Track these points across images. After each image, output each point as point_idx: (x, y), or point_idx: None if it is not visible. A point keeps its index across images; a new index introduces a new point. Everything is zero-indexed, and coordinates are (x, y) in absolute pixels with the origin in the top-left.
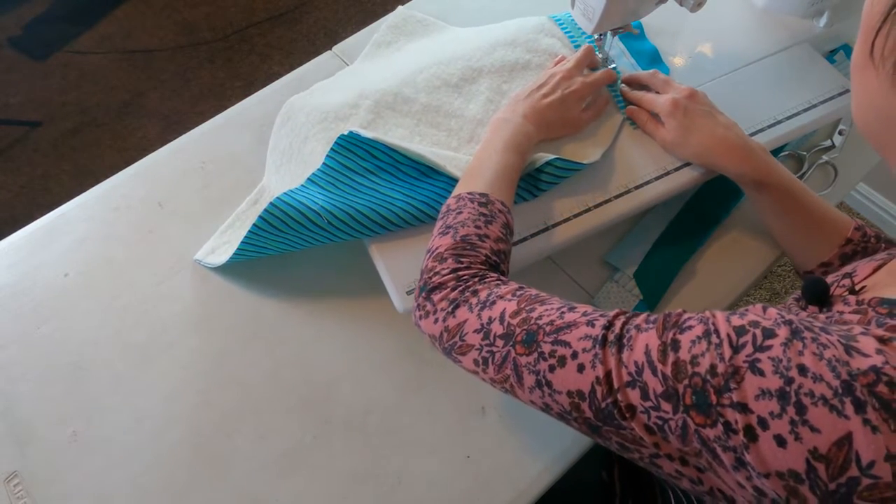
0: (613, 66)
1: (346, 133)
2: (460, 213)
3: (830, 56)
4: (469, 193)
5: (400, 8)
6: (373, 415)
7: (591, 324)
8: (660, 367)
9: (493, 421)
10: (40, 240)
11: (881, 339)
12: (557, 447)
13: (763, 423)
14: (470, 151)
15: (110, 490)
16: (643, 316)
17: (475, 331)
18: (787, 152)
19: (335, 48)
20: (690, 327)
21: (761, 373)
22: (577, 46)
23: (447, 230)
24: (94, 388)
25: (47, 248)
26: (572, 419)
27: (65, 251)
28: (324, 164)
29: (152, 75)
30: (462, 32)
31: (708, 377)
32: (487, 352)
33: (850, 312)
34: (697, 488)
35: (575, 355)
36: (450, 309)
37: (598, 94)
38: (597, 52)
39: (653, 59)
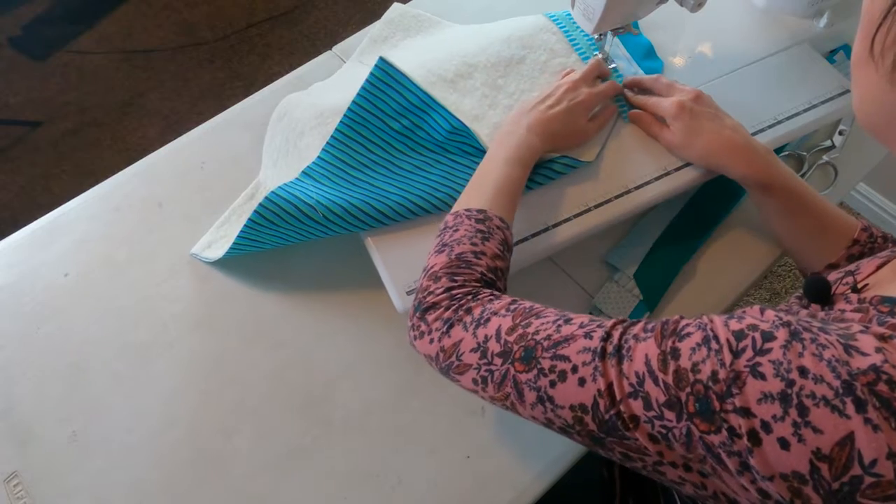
0: (613, 66)
1: (379, 62)
2: (457, 230)
3: (830, 56)
4: (467, 210)
5: (396, 3)
6: (373, 415)
7: (588, 336)
8: (661, 376)
9: (492, 421)
10: (40, 240)
11: (881, 337)
12: (558, 447)
13: (766, 427)
14: None
15: (110, 490)
16: (640, 324)
17: (472, 350)
18: (787, 152)
19: (335, 48)
20: (689, 334)
21: (762, 376)
22: (574, 42)
23: (443, 248)
24: (94, 388)
25: (47, 248)
26: (575, 433)
27: (65, 251)
28: (319, 157)
29: (152, 75)
30: (458, 30)
31: (710, 384)
32: (486, 371)
33: (851, 310)
34: (701, 493)
35: (575, 369)
36: (444, 329)
37: (604, 104)
38: (596, 52)
39: (647, 53)
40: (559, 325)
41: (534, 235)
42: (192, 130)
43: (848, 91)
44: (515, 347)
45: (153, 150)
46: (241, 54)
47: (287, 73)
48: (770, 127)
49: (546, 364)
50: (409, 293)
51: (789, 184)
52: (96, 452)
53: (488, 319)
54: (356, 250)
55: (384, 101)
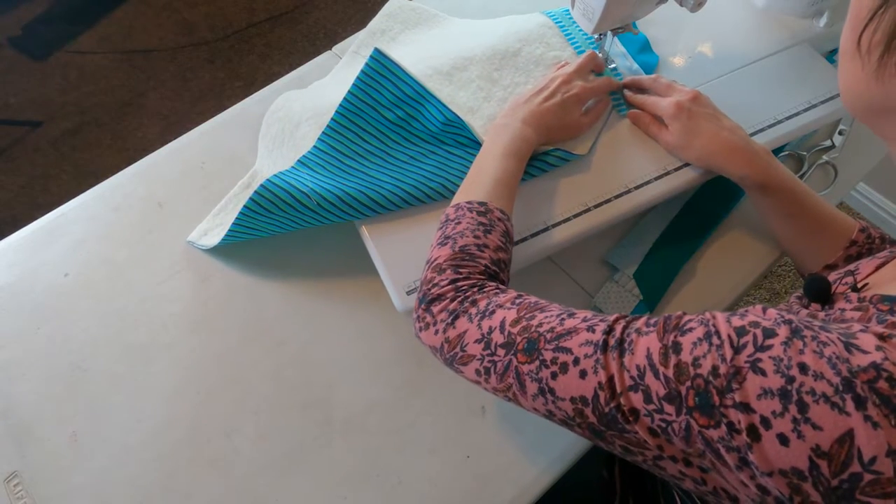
0: (613, 66)
1: (374, 52)
2: (459, 223)
3: (830, 56)
4: (468, 202)
5: None
6: (373, 415)
7: (591, 329)
8: (662, 369)
9: (493, 421)
10: (40, 240)
11: (881, 336)
12: (557, 447)
13: (766, 423)
14: None
15: (110, 490)
16: (643, 319)
17: (476, 341)
18: (787, 152)
19: (335, 48)
20: (691, 329)
21: (763, 372)
22: (569, 37)
23: (446, 241)
24: (94, 388)
25: (47, 248)
26: (576, 425)
27: (65, 251)
28: (314, 146)
29: (152, 75)
30: (455, 26)
31: (710, 378)
32: (489, 361)
33: (851, 310)
34: (701, 488)
35: (577, 361)
36: (449, 320)
37: (598, 98)
38: (592, 46)
39: (643, 47)
40: (562, 319)
41: (534, 235)
42: (192, 130)
43: None
44: (519, 339)
45: (153, 150)
46: (241, 54)
47: (287, 73)
48: (770, 127)
49: (548, 356)
50: (409, 293)
51: (787, 184)
52: (96, 452)
53: (493, 311)
54: (357, 250)
55: (379, 91)
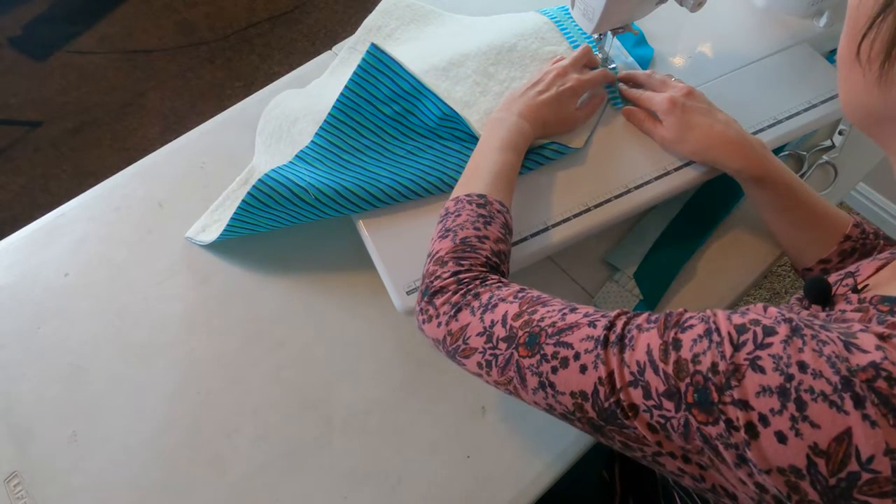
0: (613, 66)
1: (371, 48)
2: (459, 215)
3: (830, 56)
4: (467, 195)
5: None
6: (373, 415)
7: (592, 324)
8: (661, 365)
9: (493, 421)
10: (40, 240)
11: (881, 336)
12: (557, 447)
13: (764, 420)
14: None
15: (110, 490)
16: (644, 316)
17: (478, 334)
18: (787, 152)
19: (335, 48)
20: (692, 326)
21: (762, 370)
22: (565, 31)
23: (447, 233)
24: (94, 388)
25: (47, 248)
26: (575, 419)
27: (65, 251)
28: (312, 141)
29: (152, 75)
30: (452, 24)
31: (709, 375)
32: (491, 355)
33: (851, 311)
34: (700, 485)
35: (577, 356)
36: (452, 313)
37: (594, 92)
38: (596, 52)
39: (638, 41)
40: (564, 314)
41: (534, 235)
42: (192, 130)
43: None
44: (520, 333)
45: (153, 150)
46: (241, 54)
47: (287, 73)
48: (770, 127)
49: (549, 350)
50: (409, 293)
51: (783, 178)
52: (96, 452)
53: (496, 305)
54: (357, 251)
55: (375, 86)
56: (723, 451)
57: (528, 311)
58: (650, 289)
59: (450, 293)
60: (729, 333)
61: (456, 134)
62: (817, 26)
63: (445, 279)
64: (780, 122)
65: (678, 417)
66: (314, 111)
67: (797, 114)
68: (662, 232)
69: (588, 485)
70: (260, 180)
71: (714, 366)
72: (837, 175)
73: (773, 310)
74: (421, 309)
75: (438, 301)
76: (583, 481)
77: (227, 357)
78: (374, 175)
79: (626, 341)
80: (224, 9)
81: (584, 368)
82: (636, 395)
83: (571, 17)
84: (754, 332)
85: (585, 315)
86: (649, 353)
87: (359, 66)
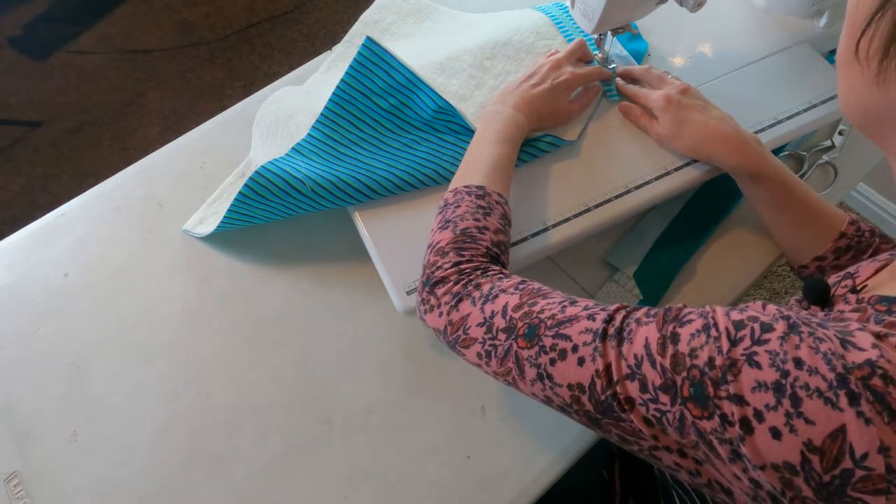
0: (612, 66)
1: (366, 41)
2: (458, 206)
3: (830, 56)
4: (466, 187)
5: None
6: (373, 415)
7: (591, 318)
8: (659, 359)
9: (493, 421)
10: (40, 240)
11: (878, 335)
12: (557, 447)
13: (759, 416)
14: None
15: (110, 490)
16: (644, 310)
17: (478, 324)
18: (787, 152)
19: (335, 48)
20: (690, 321)
21: (758, 365)
22: (560, 26)
23: (447, 224)
24: (94, 388)
25: (47, 248)
26: (573, 412)
27: (65, 251)
28: (308, 134)
29: (152, 75)
30: (448, 19)
31: (706, 369)
32: (490, 345)
33: (850, 311)
34: (696, 480)
35: (575, 349)
36: (453, 303)
37: (587, 85)
38: (596, 52)
39: (631, 36)
40: (564, 306)
41: (534, 235)
42: (192, 130)
43: None
44: (520, 324)
45: (153, 150)
46: (241, 54)
47: (287, 73)
48: (770, 127)
49: (548, 342)
50: (409, 293)
51: (778, 174)
52: (96, 452)
53: (496, 296)
54: (357, 251)
55: (371, 79)
56: (717, 446)
57: (529, 302)
58: (650, 289)
59: (451, 283)
60: (727, 329)
61: (451, 127)
62: (817, 26)
63: (447, 269)
64: (780, 122)
65: (673, 411)
66: (311, 105)
67: (797, 114)
68: (662, 232)
69: (588, 484)
70: (256, 172)
71: (711, 360)
72: (837, 175)
73: (771, 307)
74: (422, 299)
75: (440, 291)
76: (583, 481)
77: (227, 357)
78: (371, 167)
79: (625, 335)
80: (224, 9)
81: (581, 361)
82: (633, 388)
83: (567, 14)
84: (752, 328)
85: (585, 308)
86: (647, 346)
87: (354, 59)
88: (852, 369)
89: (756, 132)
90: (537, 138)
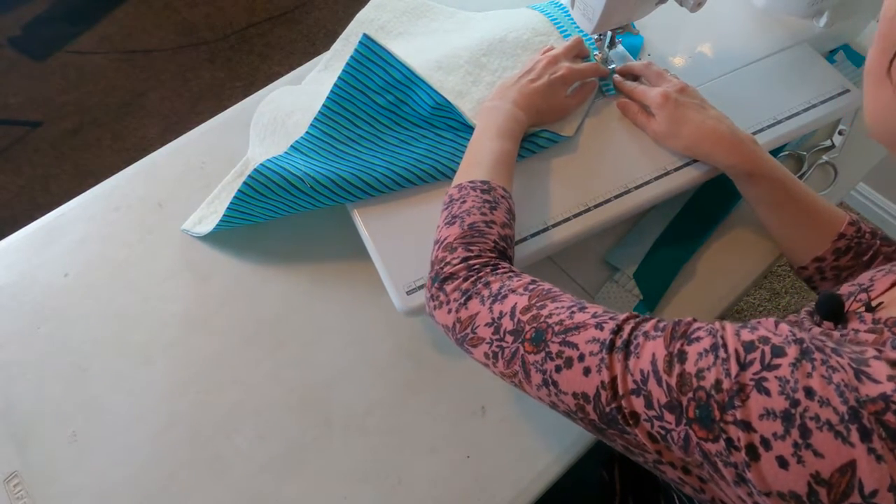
0: (612, 66)
1: (363, 38)
2: (464, 201)
3: (830, 56)
4: (470, 182)
5: None
6: (373, 415)
7: (600, 327)
8: (665, 377)
9: (493, 421)
10: (40, 240)
11: (894, 364)
12: (557, 447)
13: (766, 444)
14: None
15: (110, 490)
16: (653, 322)
17: (486, 324)
18: (787, 152)
19: (332, 47)
20: (699, 339)
21: (767, 392)
22: (556, 22)
23: (454, 220)
24: (94, 388)
25: (47, 248)
26: (578, 419)
27: (65, 251)
28: (307, 132)
29: (152, 75)
30: (444, 18)
31: (712, 392)
32: (497, 346)
33: (865, 331)
34: (700, 496)
35: (582, 358)
36: (462, 300)
37: (584, 81)
38: (596, 52)
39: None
40: (573, 312)
41: (534, 235)
42: (192, 130)
43: (848, 91)
44: (527, 328)
45: (153, 150)
46: (241, 54)
47: (287, 73)
48: (770, 127)
49: (554, 348)
50: (409, 293)
51: (775, 173)
52: (96, 452)
53: (505, 296)
54: (357, 251)
55: (369, 76)
56: (722, 469)
57: (538, 305)
58: (650, 289)
59: (460, 279)
60: (736, 350)
61: (449, 123)
62: (817, 26)
63: (455, 265)
64: (780, 122)
65: (678, 431)
66: (309, 104)
67: (797, 114)
68: (662, 232)
69: (588, 485)
70: (255, 170)
71: (718, 383)
72: (837, 175)
73: (784, 327)
74: (431, 295)
75: (449, 287)
76: (583, 481)
77: (227, 357)
78: (369, 164)
79: (632, 348)
80: (224, 9)
81: (587, 371)
82: (638, 403)
83: (564, 12)
84: (762, 352)
85: (594, 315)
86: (654, 362)
87: (351, 56)
88: (866, 403)
89: (756, 132)
90: (535, 134)
